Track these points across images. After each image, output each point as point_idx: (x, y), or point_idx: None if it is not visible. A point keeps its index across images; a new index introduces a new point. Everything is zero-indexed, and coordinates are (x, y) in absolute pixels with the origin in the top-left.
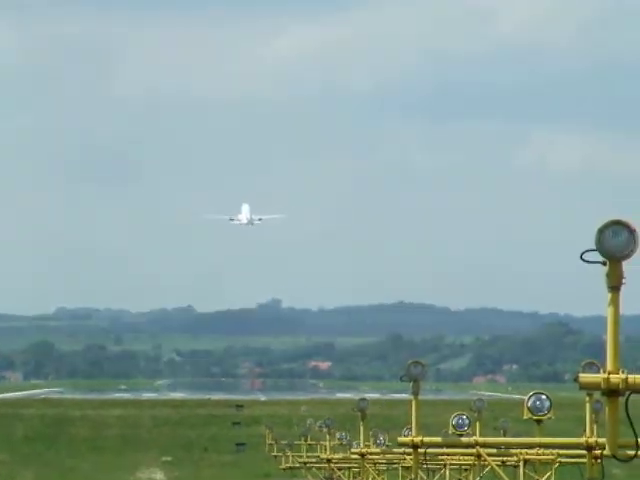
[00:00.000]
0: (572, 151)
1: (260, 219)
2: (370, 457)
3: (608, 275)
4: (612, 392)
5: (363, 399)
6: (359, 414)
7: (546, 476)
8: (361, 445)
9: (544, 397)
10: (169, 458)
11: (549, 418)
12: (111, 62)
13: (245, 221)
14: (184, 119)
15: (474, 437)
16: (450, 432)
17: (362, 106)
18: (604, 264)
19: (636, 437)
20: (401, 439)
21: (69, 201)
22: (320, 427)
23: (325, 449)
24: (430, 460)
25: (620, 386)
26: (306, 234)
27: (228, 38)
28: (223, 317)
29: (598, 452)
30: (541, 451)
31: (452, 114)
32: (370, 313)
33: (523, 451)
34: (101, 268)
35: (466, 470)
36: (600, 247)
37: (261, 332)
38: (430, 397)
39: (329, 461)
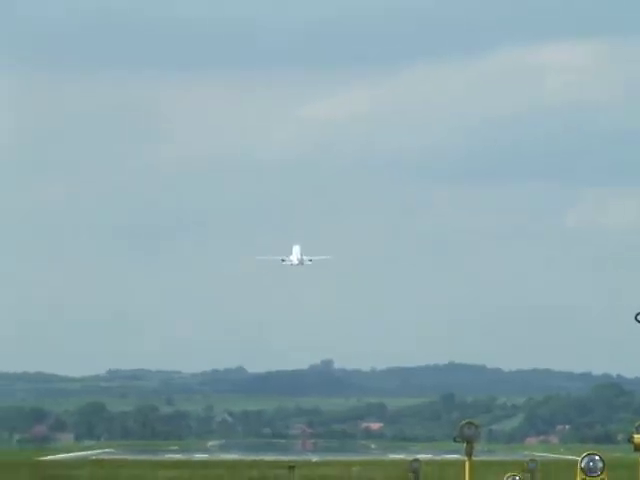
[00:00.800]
0: (625, 212)
1: (311, 260)
2: None
3: None
4: None
5: (416, 460)
6: (412, 475)
7: None
8: None
9: (597, 458)
10: None
11: (602, 479)
12: (157, 124)
13: (296, 262)
14: (236, 178)
15: None
16: None
17: (408, 166)
18: None
19: None
20: None
21: (117, 263)
22: None
23: None
24: None
25: None
26: (357, 294)
27: (272, 100)
28: (275, 377)
29: None
30: None
31: (499, 175)
32: (422, 373)
33: None
34: (151, 330)
35: None
36: None
37: (313, 393)
38: (483, 458)
39: None
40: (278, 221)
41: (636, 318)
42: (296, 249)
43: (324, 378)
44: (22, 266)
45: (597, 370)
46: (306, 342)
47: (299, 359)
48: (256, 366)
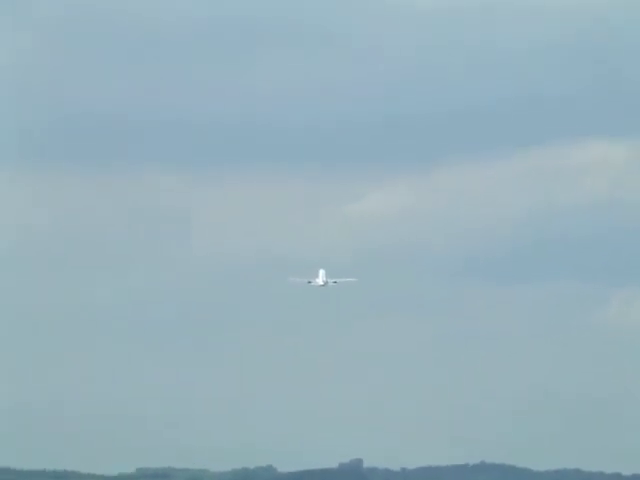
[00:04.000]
0: None
1: (335, 282)
2: None
3: None
4: None
5: None
6: None
7: None
8: None
9: None
10: None
11: None
12: (189, 223)
13: (321, 282)
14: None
15: None
16: None
17: (443, 264)
18: None
19: None
20: None
21: (144, 360)
22: None
23: None
24: None
25: None
26: (388, 391)
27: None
28: (305, 476)
29: None
30: None
31: (531, 273)
32: (452, 473)
33: None
34: (181, 427)
35: None
36: None
37: None
38: None
39: None
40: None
41: None
42: (322, 272)
43: (354, 477)
44: (53, 361)
45: (627, 470)
46: (336, 441)
47: (329, 458)
48: (286, 465)
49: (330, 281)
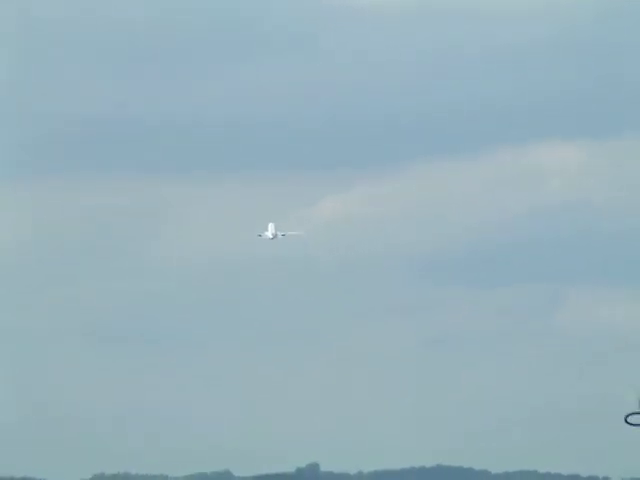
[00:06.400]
0: (614, 313)
1: (284, 234)
2: None
3: None
4: None
5: None
6: None
7: None
8: None
9: None
10: None
11: None
12: (175, 226)
13: (270, 236)
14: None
15: None
16: None
17: (420, 267)
18: None
19: None
20: None
21: (100, 364)
22: None
23: None
24: None
25: None
26: (345, 394)
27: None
28: None
29: None
30: None
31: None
32: (409, 476)
33: None
34: (136, 431)
35: None
36: None
37: None
38: None
39: None
40: (291, 317)
41: (625, 420)
42: (271, 225)
43: None
44: (13, 364)
45: (585, 471)
46: (293, 444)
47: (286, 462)
48: (243, 470)
49: (279, 234)
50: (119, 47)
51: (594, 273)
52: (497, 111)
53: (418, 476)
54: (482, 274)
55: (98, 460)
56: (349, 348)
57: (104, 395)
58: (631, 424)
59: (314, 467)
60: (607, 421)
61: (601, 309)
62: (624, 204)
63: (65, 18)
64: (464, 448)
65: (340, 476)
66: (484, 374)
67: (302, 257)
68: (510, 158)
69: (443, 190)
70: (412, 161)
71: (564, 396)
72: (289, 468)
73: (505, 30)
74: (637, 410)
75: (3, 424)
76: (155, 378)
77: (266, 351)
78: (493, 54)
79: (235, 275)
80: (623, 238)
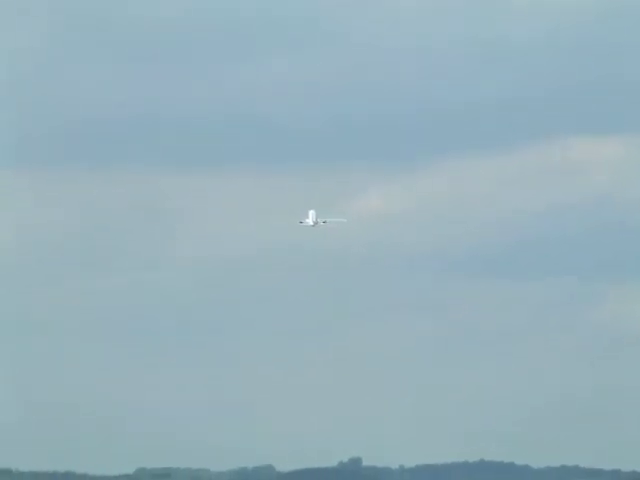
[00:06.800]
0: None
1: (325, 221)
2: None
3: None
4: None
5: None
6: None
7: None
8: None
9: None
10: None
11: None
12: (182, 223)
13: (312, 223)
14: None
15: None
16: None
17: (434, 263)
18: None
19: None
20: None
21: (145, 361)
22: None
23: None
24: None
25: None
26: (385, 389)
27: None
28: (303, 475)
29: None
30: None
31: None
32: (451, 471)
33: None
34: (179, 427)
35: None
36: None
37: None
38: None
39: None
40: (301, 320)
41: None
42: (312, 212)
43: (353, 476)
44: (51, 362)
45: (626, 467)
46: (335, 439)
47: (328, 456)
48: (285, 465)
49: (320, 221)
50: (121, 46)
51: (624, 268)
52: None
53: (461, 471)
54: (513, 268)
55: (141, 455)
56: (381, 344)
57: (149, 392)
58: None
59: (356, 461)
60: None
61: (632, 305)
62: None
63: (66, 17)
64: (506, 443)
65: (382, 470)
66: (517, 369)
67: (317, 248)
68: (547, 153)
69: (471, 186)
70: (443, 156)
71: (601, 391)
72: (331, 462)
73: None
74: None
75: (45, 420)
76: (198, 375)
77: (306, 348)
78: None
79: (249, 271)
80: None
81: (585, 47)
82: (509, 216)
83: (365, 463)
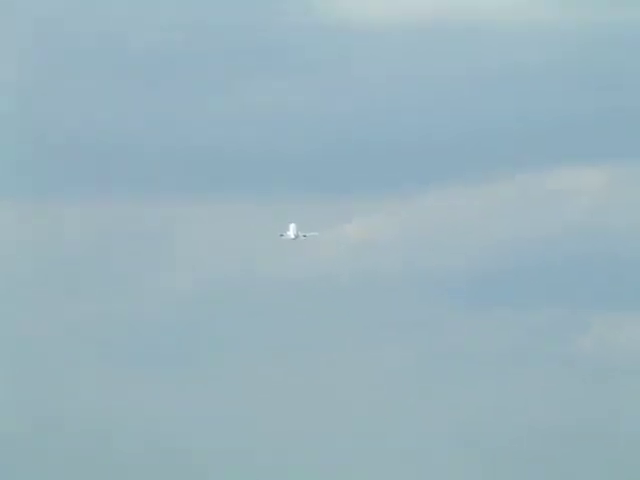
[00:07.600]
0: (634, 337)
1: (305, 235)
2: None
3: None
4: None
5: None
6: None
7: None
8: None
9: None
10: None
11: None
12: (173, 251)
13: (292, 236)
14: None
15: None
16: None
17: (424, 290)
18: None
19: None
20: None
21: (137, 388)
22: None
23: None
24: None
25: None
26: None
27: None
28: None
29: None
30: None
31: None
32: None
33: None
34: (177, 443)
35: None
36: None
37: None
38: None
39: None
40: (298, 340)
41: None
42: (292, 226)
43: None
44: (46, 383)
45: None
46: (320, 471)
47: None
48: None
49: (301, 234)
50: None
51: (615, 298)
52: (517, 134)
53: None
54: (499, 297)
55: (136, 471)
56: (362, 374)
57: (136, 412)
58: None
59: None
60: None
61: (617, 335)
62: None
63: (69, 32)
64: (493, 472)
65: None
66: (503, 399)
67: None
68: (531, 181)
69: (458, 214)
70: (427, 185)
71: (578, 419)
72: None
73: (523, 50)
74: None
75: (40, 435)
76: (181, 397)
77: (293, 372)
78: (514, 74)
79: (243, 293)
80: None
81: (569, 76)
82: (494, 244)
83: None
